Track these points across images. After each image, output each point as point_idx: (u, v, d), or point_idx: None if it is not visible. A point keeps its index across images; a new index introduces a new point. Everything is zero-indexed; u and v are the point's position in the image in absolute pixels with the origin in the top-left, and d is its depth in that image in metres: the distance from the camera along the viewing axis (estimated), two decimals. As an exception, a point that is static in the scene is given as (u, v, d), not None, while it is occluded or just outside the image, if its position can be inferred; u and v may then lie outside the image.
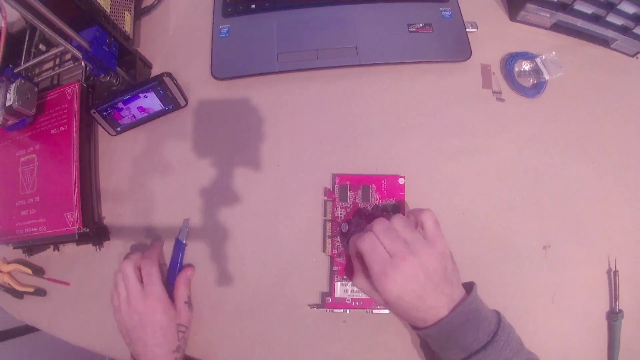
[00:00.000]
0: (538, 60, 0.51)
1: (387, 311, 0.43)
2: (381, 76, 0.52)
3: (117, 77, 0.51)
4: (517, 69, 0.51)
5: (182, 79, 0.53)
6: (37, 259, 0.52)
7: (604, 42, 0.53)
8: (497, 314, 0.37)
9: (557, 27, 0.53)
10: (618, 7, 0.48)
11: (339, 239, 0.45)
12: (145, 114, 0.53)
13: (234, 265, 0.48)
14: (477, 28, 0.53)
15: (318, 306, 0.45)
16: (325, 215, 0.47)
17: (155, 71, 0.56)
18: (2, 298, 0.53)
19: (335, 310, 0.44)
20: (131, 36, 0.55)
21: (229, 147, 0.51)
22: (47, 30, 0.41)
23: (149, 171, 0.52)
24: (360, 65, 0.51)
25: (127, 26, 0.54)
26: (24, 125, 0.51)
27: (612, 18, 0.50)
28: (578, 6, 0.50)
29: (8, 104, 0.46)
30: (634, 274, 0.45)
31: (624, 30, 0.51)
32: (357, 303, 0.43)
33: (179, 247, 0.48)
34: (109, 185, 0.53)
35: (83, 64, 0.53)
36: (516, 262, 0.45)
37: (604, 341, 0.44)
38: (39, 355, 0.88)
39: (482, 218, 0.46)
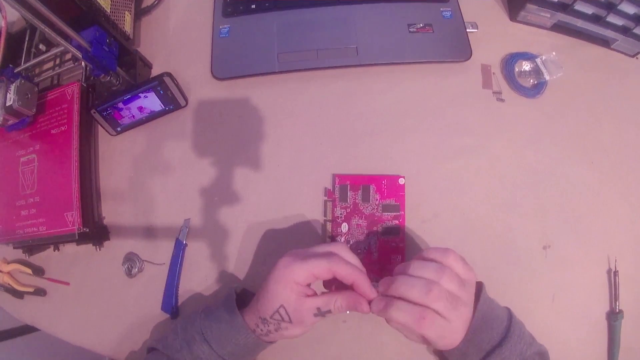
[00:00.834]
0: (538, 60, 0.51)
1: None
2: (381, 76, 0.52)
3: (117, 77, 0.51)
4: (517, 69, 0.51)
5: (182, 79, 0.53)
6: (37, 259, 0.52)
7: (604, 43, 0.53)
8: (506, 309, 0.38)
9: (558, 27, 0.53)
10: (618, 7, 0.48)
11: (339, 239, 0.45)
12: (145, 114, 0.53)
13: (234, 265, 0.48)
14: (477, 28, 0.53)
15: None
16: (325, 215, 0.47)
17: (155, 71, 0.56)
18: (2, 298, 0.53)
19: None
20: (131, 36, 0.55)
21: (229, 147, 0.51)
22: (47, 30, 0.41)
23: (149, 171, 0.52)
24: (360, 65, 0.51)
25: (127, 26, 0.54)
26: (24, 125, 0.51)
27: (612, 18, 0.50)
28: (578, 6, 0.50)
29: (8, 104, 0.46)
30: (634, 274, 0.45)
31: (624, 31, 0.51)
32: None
33: (179, 247, 0.48)
34: (109, 185, 0.53)
35: (83, 64, 0.53)
36: (516, 262, 0.45)
37: (604, 341, 0.44)
38: (39, 355, 0.88)
39: (482, 218, 0.47)
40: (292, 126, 0.51)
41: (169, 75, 0.50)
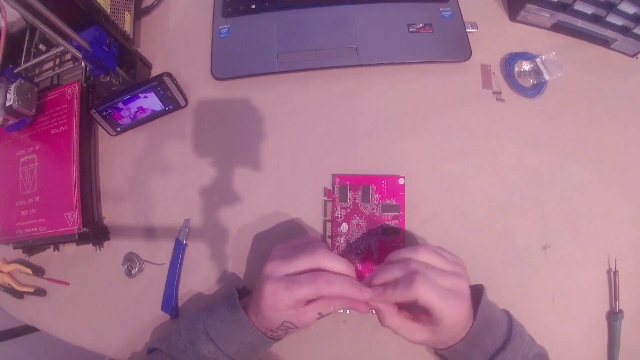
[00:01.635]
0: (538, 60, 0.51)
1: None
2: (381, 76, 0.52)
3: (117, 77, 0.51)
4: (517, 69, 0.51)
5: (182, 79, 0.53)
6: (37, 259, 0.52)
7: (604, 42, 0.53)
8: (505, 312, 0.38)
9: (557, 27, 0.53)
10: (618, 7, 0.48)
11: (338, 239, 0.45)
12: (145, 114, 0.53)
13: (234, 265, 0.48)
14: (477, 28, 0.53)
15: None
16: (325, 215, 0.47)
17: (155, 71, 0.56)
18: (2, 298, 0.53)
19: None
20: (131, 36, 0.55)
21: (229, 147, 0.51)
22: (47, 30, 0.41)
23: (149, 171, 0.52)
24: (360, 65, 0.51)
25: (127, 26, 0.54)
26: (24, 125, 0.51)
27: (612, 18, 0.50)
28: (578, 6, 0.50)
29: (8, 104, 0.46)
30: (634, 274, 0.45)
31: (624, 31, 0.51)
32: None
33: (179, 247, 0.48)
34: (109, 185, 0.53)
35: (83, 64, 0.53)
36: (516, 262, 0.45)
37: (604, 341, 0.44)
38: (39, 355, 0.88)
39: (482, 218, 0.47)
40: (292, 126, 0.51)
41: (169, 75, 0.50)
